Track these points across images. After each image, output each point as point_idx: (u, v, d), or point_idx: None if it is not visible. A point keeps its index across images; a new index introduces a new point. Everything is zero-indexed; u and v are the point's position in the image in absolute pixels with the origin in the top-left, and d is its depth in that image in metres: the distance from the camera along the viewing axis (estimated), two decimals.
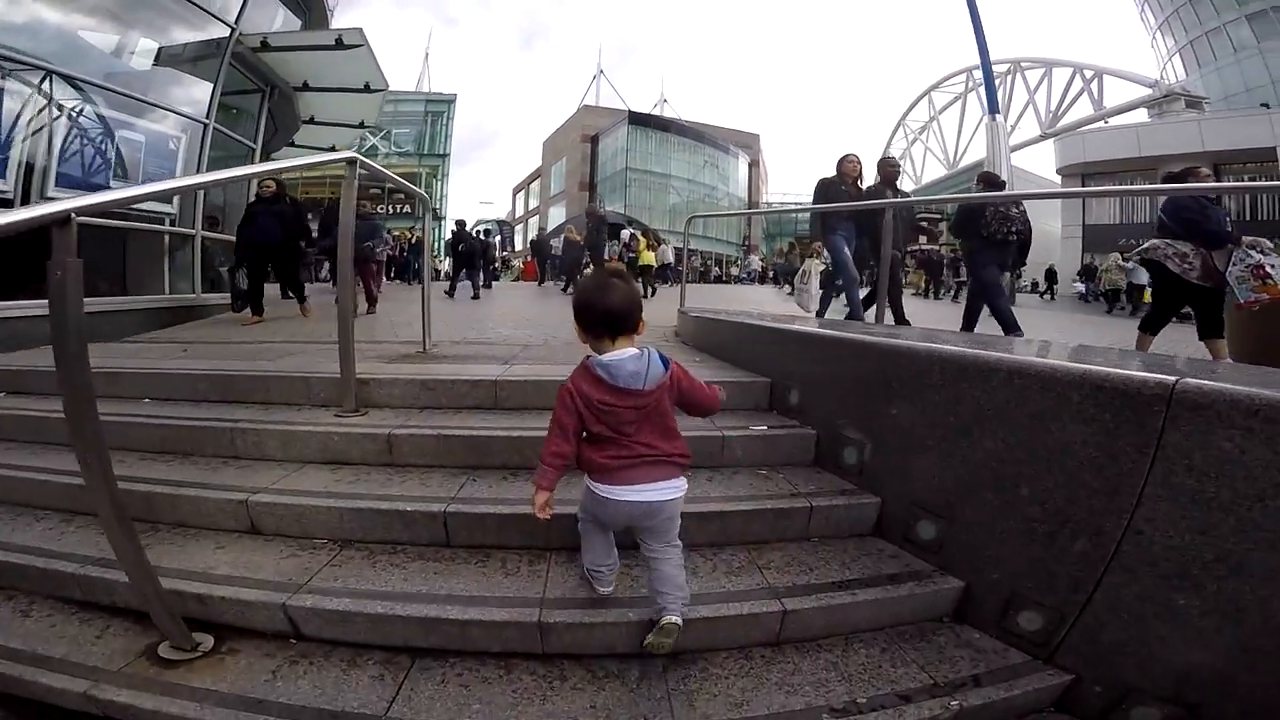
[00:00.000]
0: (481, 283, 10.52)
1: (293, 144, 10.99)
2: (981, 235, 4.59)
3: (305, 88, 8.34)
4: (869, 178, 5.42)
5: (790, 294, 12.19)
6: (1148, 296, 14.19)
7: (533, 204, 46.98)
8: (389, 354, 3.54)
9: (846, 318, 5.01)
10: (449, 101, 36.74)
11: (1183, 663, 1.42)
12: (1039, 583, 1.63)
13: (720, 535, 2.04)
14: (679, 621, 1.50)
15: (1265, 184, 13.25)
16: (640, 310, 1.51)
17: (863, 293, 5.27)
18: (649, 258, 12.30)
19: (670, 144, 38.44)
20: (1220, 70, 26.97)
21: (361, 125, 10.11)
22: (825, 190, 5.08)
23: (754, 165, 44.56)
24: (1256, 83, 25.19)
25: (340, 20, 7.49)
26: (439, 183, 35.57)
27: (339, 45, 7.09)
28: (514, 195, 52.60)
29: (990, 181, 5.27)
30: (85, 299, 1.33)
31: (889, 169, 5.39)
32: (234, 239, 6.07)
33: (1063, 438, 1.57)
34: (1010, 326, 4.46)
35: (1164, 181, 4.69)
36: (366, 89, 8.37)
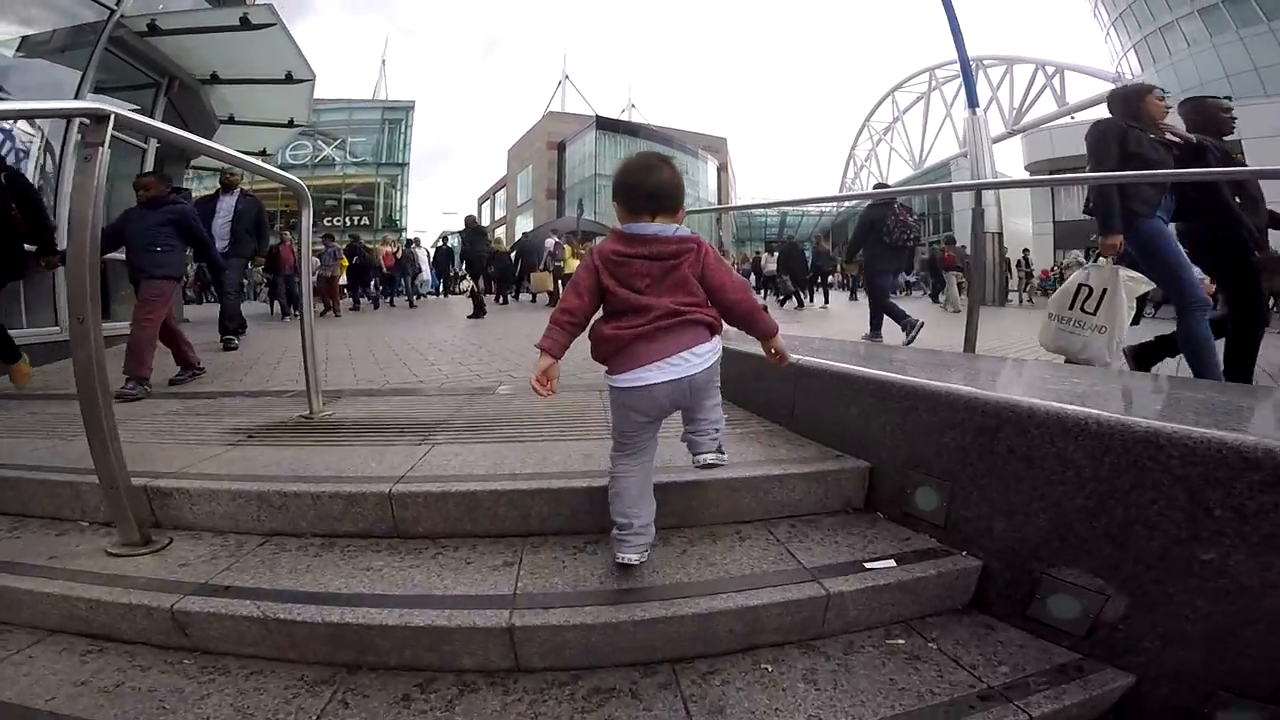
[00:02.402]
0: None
1: None
2: (884, 242, 4.86)
3: (215, 80, 7.07)
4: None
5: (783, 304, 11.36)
6: None
7: (499, 214, 45.59)
8: (256, 420, 2.39)
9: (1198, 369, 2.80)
10: (407, 109, 35.30)
11: None
12: None
13: None
14: (708, 459, 1.40)
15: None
16: (683, 193, 1.38)
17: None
18: (575, 265, 11.22)
19: (639, 149, 37.28)
20: (1175, 65, 27.42)
21: (291, 124, 8.81)
22: (1123, 142, 2.71)
23: (723, 169, 43.99)
24: (1210, 76, 25.57)
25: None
26: (398, 193, 34.10)
27: (245, 25, 5.86)
28: (479, 205, 51.09)
29: (884, 185, 5.48)
30: None
31: (1220, 112, 3.02)
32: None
33: None
34: (901, 315, 4.81)
35: None
36: (289, 79, 7.12)
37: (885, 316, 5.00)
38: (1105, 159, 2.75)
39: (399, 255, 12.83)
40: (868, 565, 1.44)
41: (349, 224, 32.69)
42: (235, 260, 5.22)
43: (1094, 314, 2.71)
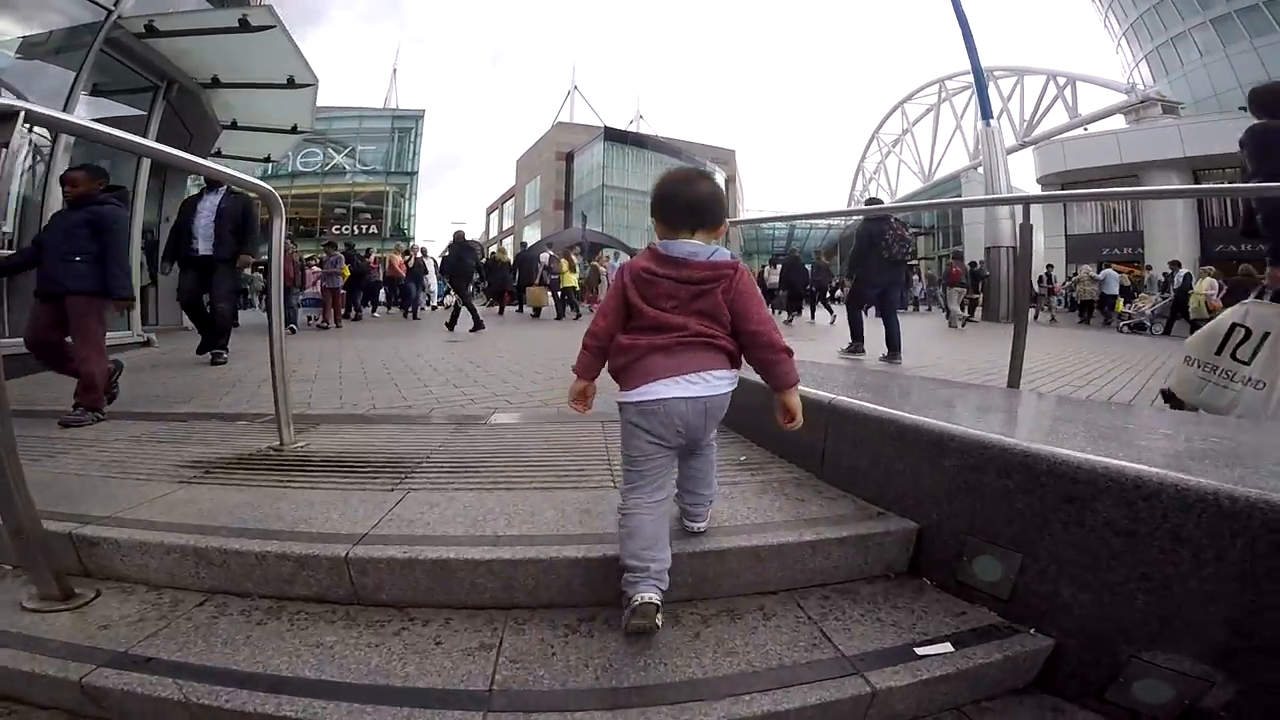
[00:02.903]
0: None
1: (219, 154, 9.58)
2: (883, 256, 4.83)
3: (216, 84, 6.95)
4: None
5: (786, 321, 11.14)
6: (1120, 306, 13.51)
7: (507, 224, 45.68)
8: (220, 451, 2.15)
9: None
10: (417, 118, 35.42)
11: None
12: None
13: None
14: (704, 527, 1.35)
15: None
16: (725, 208, 1.32)
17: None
18: (571, 279, 11.65)
19: (647, 160, 37.49)
20: (1187, 75, 27.01)
21: (295, 130, 8.70)
22: None
23: (730, 181, 43.86)
24: (1224, 87, 25.10)
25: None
26: (407, 201, 34.13)
27: (244, 27, 5.73)
28: (488, 215, 51.29)
29: (877, 200, 5.55)
30: None
31: None
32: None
33: None
34: (859, 335, 4.91)
35: None
36: (291, 84, 6.99)
37: (898, 337, 4.91)
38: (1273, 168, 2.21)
39: (411, 264, 12.52)
40: (920, 651, 1.18)
41: (357, 232, 32.74)
42: (224, 267, 4.74)
43: (1248, 363, 2.16)
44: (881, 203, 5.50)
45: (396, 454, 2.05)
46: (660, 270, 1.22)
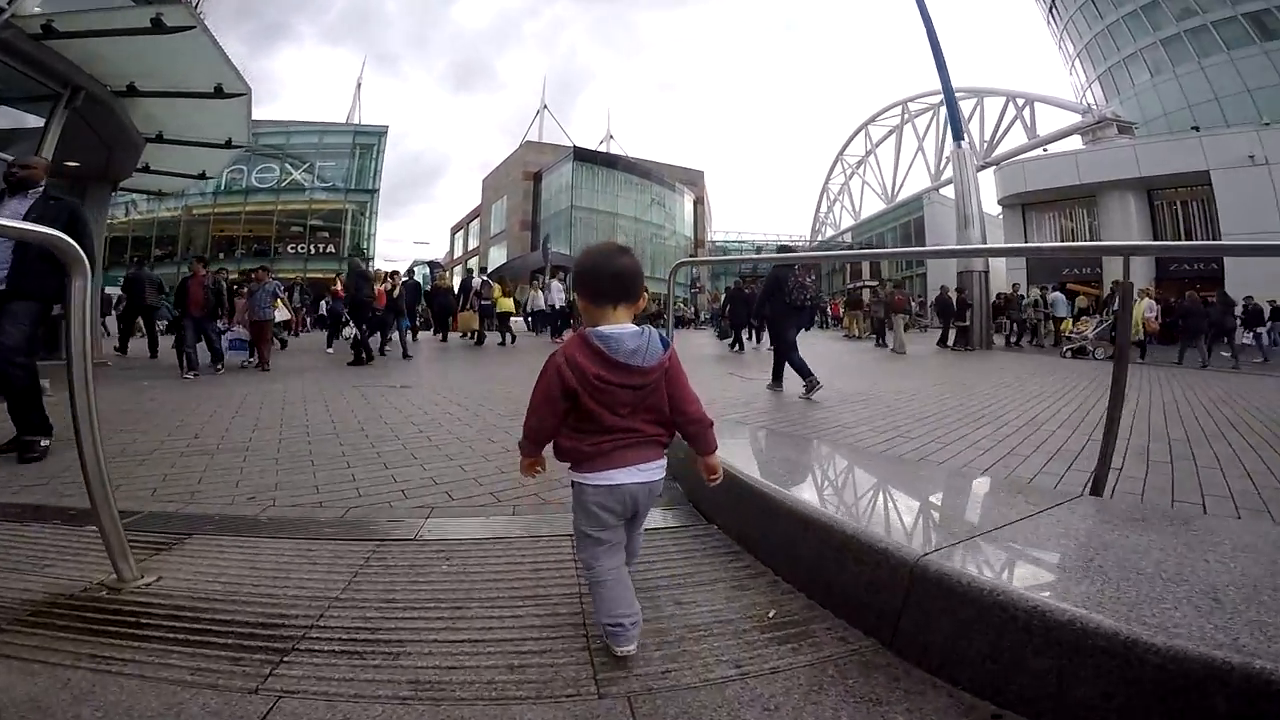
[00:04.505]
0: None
1: (147, 169, 8.67)
2: (785, 302, 5.13)
3: (132, 91, 6.15)
4: None
5: (733, 348, 10.57)
6: (1067, 326, 13.32)
7: (472, 244, 44.71)
8: (32, 587, 1.42)
9: None
10: (379, 134, 34.50)
11: None
12: None
13: None
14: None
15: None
16: (643, 282, 1.36)
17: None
18: (507, 304, 11.77)
19: (617, 181, 37.20)
20: (1138, 95, 27.88)
21: (230, 144, 7.89)
22: None
23: (699, 203, 43.89)
24: (1173, 107, 26.06)
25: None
26: (367, 220, 32.98)
27: (159, 28, 4.99)
28: (453, 235, 50.24)
29: (788, 248, 5.19)
30: None
31: None
32: None
33: None
34: (807, 372, 4.93)
35: None
36: (219, 93, 6.24)
37: (786, 369, 5.27)
38: None
39: (395, 293, 10.31)
40: None
41: (314, 251, 31.43)
42: (21, 307, 2.86)
43: None
44: (794, 250, 5.63)
45: (279, 606, 1.36)
46: (616, 379, 1.24)
